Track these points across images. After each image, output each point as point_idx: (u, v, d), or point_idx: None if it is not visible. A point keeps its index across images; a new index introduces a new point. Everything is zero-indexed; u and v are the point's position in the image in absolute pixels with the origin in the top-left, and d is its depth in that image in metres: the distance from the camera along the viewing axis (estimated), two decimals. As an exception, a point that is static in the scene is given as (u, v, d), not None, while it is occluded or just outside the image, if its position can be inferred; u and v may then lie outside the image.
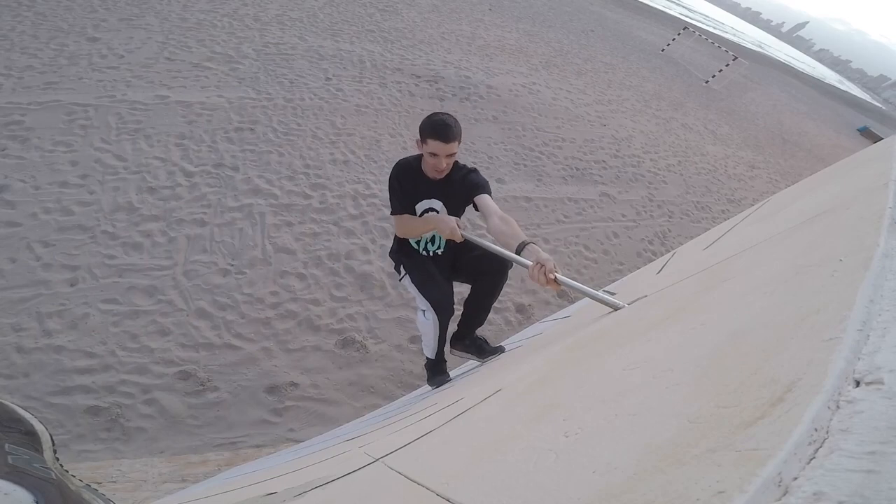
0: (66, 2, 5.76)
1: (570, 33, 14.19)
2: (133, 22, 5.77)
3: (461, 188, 1.94)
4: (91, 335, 2.67)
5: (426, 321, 2.05)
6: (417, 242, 2.06)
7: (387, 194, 1.98)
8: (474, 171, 1.98)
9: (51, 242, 3.03)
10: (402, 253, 2.09)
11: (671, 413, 0.46)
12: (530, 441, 0.61)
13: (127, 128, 4.13)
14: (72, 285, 2.86)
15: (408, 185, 1.93)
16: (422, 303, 2.03)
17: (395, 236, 2.14)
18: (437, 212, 1.97)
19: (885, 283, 0.49)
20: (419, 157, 1.91)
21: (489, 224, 1.83)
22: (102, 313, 2.78)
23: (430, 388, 2.30)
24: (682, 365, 0.57)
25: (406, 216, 1.95)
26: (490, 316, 2.35)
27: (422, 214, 1.97)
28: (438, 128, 1.76)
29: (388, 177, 1.97)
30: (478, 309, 2.15)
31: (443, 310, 2.02)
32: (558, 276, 1.38)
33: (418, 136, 1.83)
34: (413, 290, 2.06)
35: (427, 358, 2.25)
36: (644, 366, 0.64)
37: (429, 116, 1.84)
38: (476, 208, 1.94)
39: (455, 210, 1.99)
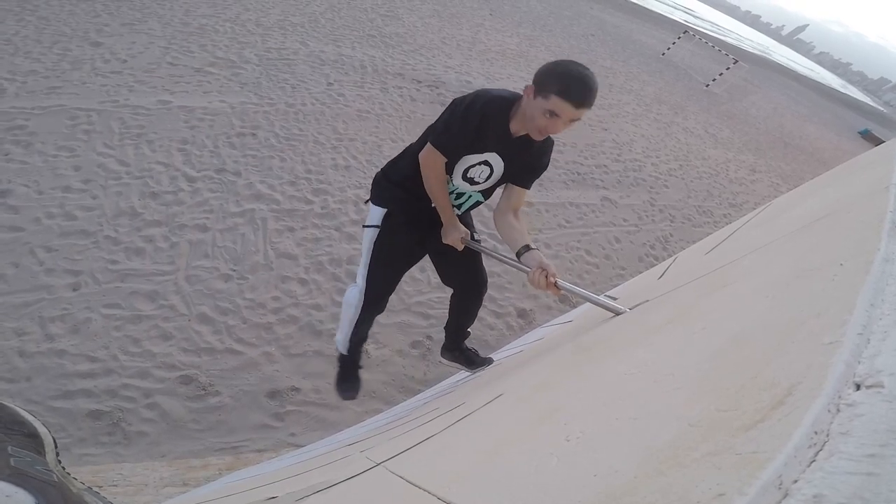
0: (69, 6, 5.80)
1: (571, 38, 14.23)
2: (136, 27, 5.81)
3: (533, 160, 1.61)
4: (93, 339, 2.67)
5: (351, 299, 1.89)
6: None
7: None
8: (552, 145, 1.64)
9: (53, 247, 3.04)
10: (395, 195, 1.74)
11: (672, 416, 0.46)
12: (532, 445, 0.61)
13: (129, 133, 4.15)
14: (74, 290, 2.87)
15: (484, 132, 1.49)
16: (361, 279, 1.84)
17: (400, 161, 1.77)
18: (492, 170, 1.62)
19: (885, 287, 0.49)
20: (513, 103, 1.49)
21: (502, 209, 1.65)
22: (105, 318, 2.78)
23: (338, 394, 2.16)
24: (682, 369, 0.57)
25: (441, 171, 1.57)
26: (491, 321, 2.35)
27: (467, 169, 1.61)
28: (575, 86, 1.32)
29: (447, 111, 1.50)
30: (460, 322, 2.07)
31: (374, 306, 1.91)
32: (559, 280, 1.37)
33: (532, 84, 1.39)
34: (364, 257, 1.80)
35: (339, 352, 2.11)
36: (645, 370, 0.64)
37: (560, 63, 1.38)
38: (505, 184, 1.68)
39: (508, 177, 1.67)
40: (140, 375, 2.59)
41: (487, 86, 7.93)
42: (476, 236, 1.82)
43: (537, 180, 1.72)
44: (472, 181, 1.66)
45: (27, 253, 2.96)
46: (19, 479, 0.57)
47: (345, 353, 2.09)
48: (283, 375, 2.83)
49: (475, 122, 1.47)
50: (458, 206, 1.76)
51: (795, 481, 0.29)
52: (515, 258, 1.57)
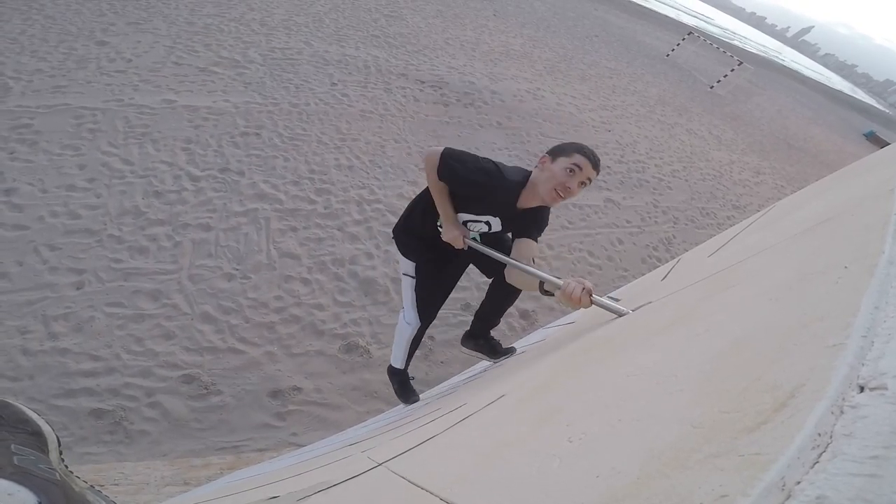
0: (75, 5, 5.83)
1: (575, 38, 14.23)
2: (141, 26, 5.83)
3: (530, 219, 1.73)
4: (96, 338, 2.68)
5: (406, 326, 2.01)
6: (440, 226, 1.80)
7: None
8: (547, 207, 1.76)
9: (57, 246, 3.05)
10: (418, 247, 1.90)
11: (674, 418, 0.46)
12: (534, 446, 0.61)
13: (134, 132, 4.17)
14: (77, 288, 2.88)
15: (487, 203, 1.69)
16: (411, 311, 1.97)
17: (412, 215, 1.89)
18: (490, 227, 1.78)
19: (889, 289, 0.49)
20: (524, 184, 1.65)
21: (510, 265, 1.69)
22: (108, 316, 2.79)
23: (405, 403, 2.26)
24: (685, 371, 0.57)
25: (446, 189, 1.69)
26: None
27: (466, 222, 1.77)
28: (590, 150, 1.58)
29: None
30: (494, 311, 2.10)
31: (428, 322, 2.00)
32: (595, 296, 1.30)
33: (547, 154, 1.62)
34: (408, 297, 1.96)
35: (393, 367, 2.21)
36: (648, 371, 0.64)
37: (573, 141, 1.64)
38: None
39: (509, 230, 1.81)
40: (142, 374, 2.60)
41: (490, 86, 7.90)
42: (476, 237, 1.82)
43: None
44: (469, 230, 1.80)
45: (31, 251, 2.97)
46: (22, 477, 0.58)
47: (401, 368, 2.20)
48: (284, 375, 2.83)
49: (477, 185, 1.62)
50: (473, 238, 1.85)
51: (798, 483, 0.29)
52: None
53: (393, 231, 2.00)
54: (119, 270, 3.05)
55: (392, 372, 2.26)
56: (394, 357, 2.21)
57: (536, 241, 1.73)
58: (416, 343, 2.11)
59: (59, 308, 2.75)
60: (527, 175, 1.68)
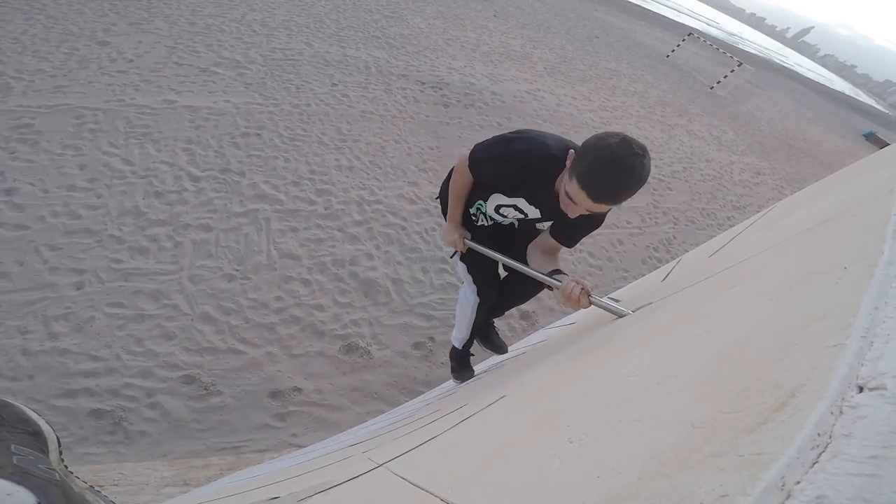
0: (76, 5, 5.84)
1: (575, 39, 14.24)
2: (142, 26, 5.84)
3: (570, 224, 1.48)
4: (96, 338, 2.69)
5: (467, 301, 1.99)
6: (478, 211, 1.71)
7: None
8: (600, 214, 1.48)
9: (58, 246, 3.06)
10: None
11: (675, 418, 0.46)
12: (534, 446, 0.61)
13: (135, 132, 4.17)
14: (78, 289, 2.88)
15: (525, 183, 1.44)
16: (469, 287, 1.95)
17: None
18: (525, 215, 1.60)
19: (889, 290, 0.49)
20: (564, 160, 1.31)
21: (535, 243, 1.58)
22: (108, 317, 2.80)
23: (454, 383, 2.32)
24: (685, 371, 0.57)
25: (466, 183, 1.56)
26: (495, 322, 2.35)
27: (499, 207, 1.62)
28: (601, 177, 1.15)
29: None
30: (501, 303, 2.08)
31: (487, 299, 1.98)
32: (593, 296, 1.26)
33: (569, 161, 1.25)
34: (464, 276, 1.93)
35: (454, 347, 2.24)
36: (648, 371, 0.64)
37: (603, 138, 1.17)
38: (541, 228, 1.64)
39: (547, 223, 1.61)
40: (142, 375, 2.60)
41: (491, 87, 7.86)
42: (514, 222, 1.73)
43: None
44: (503, 217, 1.68)
45: (32, 251, 2.97)
46: (21, 477, 0.58)
47: (460, 347, 2.21)
48: (285, 376, 2.83)
49: (515, 172, 1.40)
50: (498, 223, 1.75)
51: (798, 482, 0.29)
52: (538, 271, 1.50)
53: (439, 198, 1.91)
54: (119, 271, 3.05)
55: (452, 354, 2.28)
56: (454, 336, 2.21)
57: (569, 246, 1.56)
58: (476, 321, 2.06)
59: (60, 308, 2.75)
60: (569, 149, 1.33)
